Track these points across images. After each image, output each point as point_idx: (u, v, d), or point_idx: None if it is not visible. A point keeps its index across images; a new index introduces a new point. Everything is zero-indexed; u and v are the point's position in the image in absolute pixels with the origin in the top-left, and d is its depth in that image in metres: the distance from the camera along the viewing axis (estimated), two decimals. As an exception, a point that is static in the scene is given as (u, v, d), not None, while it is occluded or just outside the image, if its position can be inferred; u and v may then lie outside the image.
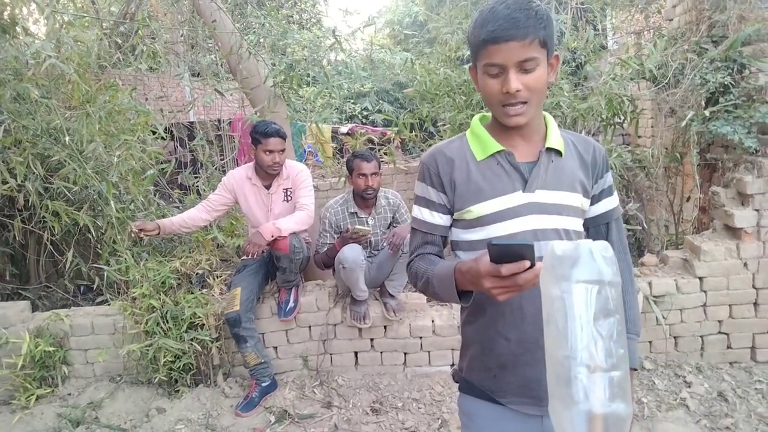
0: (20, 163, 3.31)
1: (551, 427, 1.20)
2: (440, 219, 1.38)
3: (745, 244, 3.36)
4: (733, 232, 3.44)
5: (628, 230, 4.00)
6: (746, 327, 3.43)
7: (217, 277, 3.55)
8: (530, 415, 1.32)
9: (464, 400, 1.45)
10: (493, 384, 1.35)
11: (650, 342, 3.47)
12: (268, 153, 3.32)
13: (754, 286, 3.39)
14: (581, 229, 1.34)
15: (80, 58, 3.61)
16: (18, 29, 3.40)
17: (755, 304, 3.40)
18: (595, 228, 1.40)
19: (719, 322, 3.44)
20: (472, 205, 1.32)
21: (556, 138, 1.32)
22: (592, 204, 1.36)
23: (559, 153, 1.32)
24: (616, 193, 1.40)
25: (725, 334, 3.45)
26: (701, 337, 3.46)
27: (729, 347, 3.46)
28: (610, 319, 0.95)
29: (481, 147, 1.34)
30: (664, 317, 3.36)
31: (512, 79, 1.18)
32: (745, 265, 3.38)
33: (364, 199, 3.45)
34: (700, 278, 3.40)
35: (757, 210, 3.35)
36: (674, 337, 3.47)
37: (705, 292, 3.41)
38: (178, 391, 3.37)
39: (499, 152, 1.31)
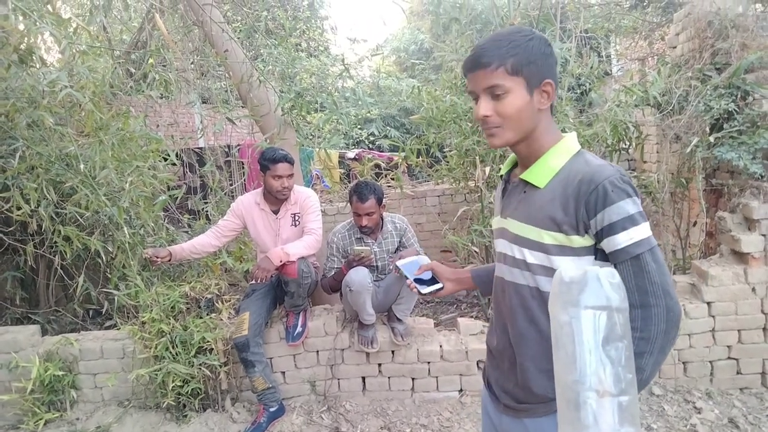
0: (34, 189, 3.36)
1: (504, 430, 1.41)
2: None
3: (752, 269, 3.36)
4: (740, 257, 3.44)
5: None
6: (756, 352, 3.41)
7: (226, 301, 3.57)
8: (495, 408, 1.45)
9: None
10: (487, 367, 1.53)
11: (659, 367, 3.45)
12: (276, 178, 3.36)
13: (762, 311, 3.38)
14: (544, 263, 1.25)
15: (95, 86, 3.68)
16: (34, 58, 3.48)
17: (764, 329, 3.39)
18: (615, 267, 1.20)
19: (728, 347, 3.42)
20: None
21: (540, 170, 1.28)
22: (598, 241, 1.21)
23: (535, 186, 1.28)
24: (626, 233, 1.15)
25: (735, 359, 3.43)
26: (710, 362, 3.44)
27: (739, 373, 3.44)
28: (618, 344, 0.96)
29: (505, 167, 1.47)
30: (672, 342, 3.34)
31: (480, 105, 1.27)
32: (753, 290, 3.37)
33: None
34: (708, 303, 3.39)
35: (763, 235, 3.35)
36: (683, 363, 3.45)
37: (713, 317, 3.40)
38: (186, 415, 3.36)
39: (502, 175, 1.47)
